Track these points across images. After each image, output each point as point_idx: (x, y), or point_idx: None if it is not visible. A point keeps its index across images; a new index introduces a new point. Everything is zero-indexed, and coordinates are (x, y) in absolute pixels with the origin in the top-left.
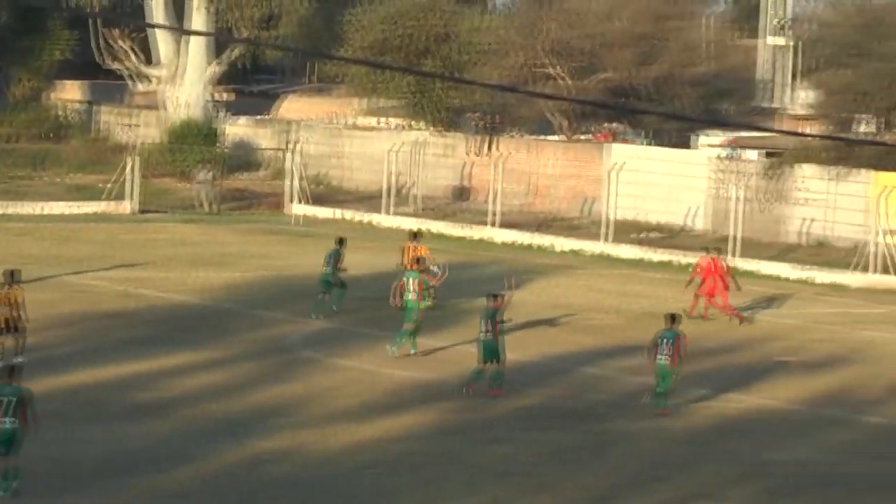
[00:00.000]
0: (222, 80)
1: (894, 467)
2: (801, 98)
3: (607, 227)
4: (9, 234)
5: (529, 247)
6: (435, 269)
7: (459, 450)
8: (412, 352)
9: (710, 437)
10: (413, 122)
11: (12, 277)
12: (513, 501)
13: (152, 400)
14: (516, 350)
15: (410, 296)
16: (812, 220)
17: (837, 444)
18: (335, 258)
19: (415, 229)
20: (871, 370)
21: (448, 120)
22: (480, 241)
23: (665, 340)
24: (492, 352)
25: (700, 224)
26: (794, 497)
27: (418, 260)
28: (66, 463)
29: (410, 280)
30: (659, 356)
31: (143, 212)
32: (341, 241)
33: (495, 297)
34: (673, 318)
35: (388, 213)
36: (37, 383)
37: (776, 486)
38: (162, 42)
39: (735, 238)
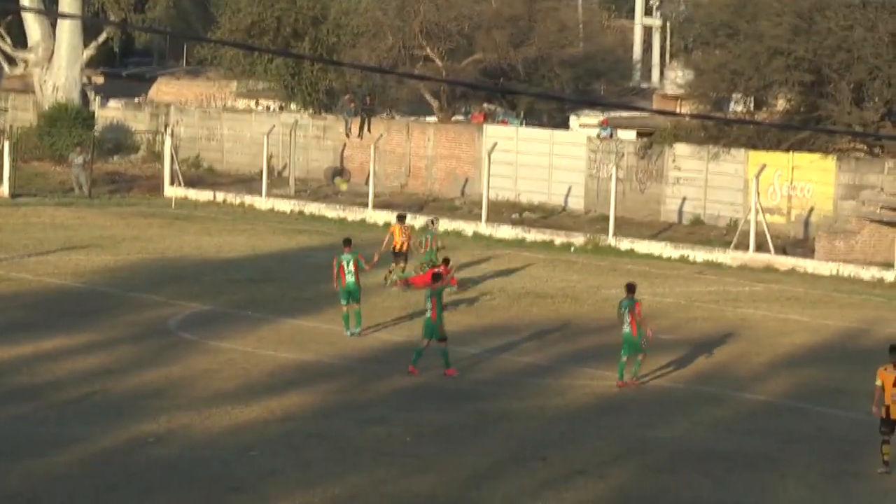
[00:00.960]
0: (94, 63)
1: (771, 443)
2: (675, 78)
3: (485, 208)
4: None
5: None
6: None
7: (340, 430)
8: (356, 330)
9: (590, 415)
10: (288, 105)
11: None
12: (394, 482)
13: (29, 384)
14: (397, 330)
15: (351, 277)
16: (688, 200)
17: (716, 421)
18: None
19: (401, 212)
20: (749, 348)
21: (322, 102)
22: (361, 222)
23: (626, 310)
24: (433, 330)
25: (578, 204)
26: (674, 473)
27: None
28: None
29: (349, 261)
30: (624, 325)
31: (15, 195)
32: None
33: (438, 276)
34: (631, 288)
35: (265, 195)
36: None
37: (656, 463)
38: (33, 25)
39: (611, 217)
